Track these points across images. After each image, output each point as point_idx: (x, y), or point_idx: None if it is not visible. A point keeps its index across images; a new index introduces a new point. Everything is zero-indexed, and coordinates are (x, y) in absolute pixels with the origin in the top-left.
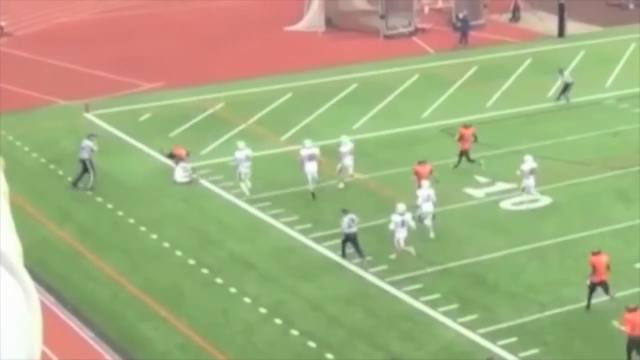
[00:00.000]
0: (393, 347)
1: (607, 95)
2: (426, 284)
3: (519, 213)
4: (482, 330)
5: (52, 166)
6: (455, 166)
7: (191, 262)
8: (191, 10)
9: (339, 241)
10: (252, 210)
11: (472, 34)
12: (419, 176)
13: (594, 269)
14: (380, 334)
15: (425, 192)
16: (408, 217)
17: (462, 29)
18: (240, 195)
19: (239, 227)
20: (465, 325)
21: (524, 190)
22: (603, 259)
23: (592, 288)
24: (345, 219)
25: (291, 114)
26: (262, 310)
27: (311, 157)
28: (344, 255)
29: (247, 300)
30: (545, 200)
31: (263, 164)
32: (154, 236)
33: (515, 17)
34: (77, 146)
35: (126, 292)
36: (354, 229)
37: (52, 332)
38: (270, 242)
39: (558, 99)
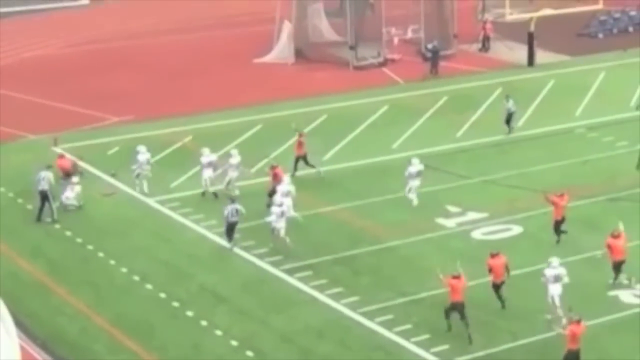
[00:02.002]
0: None
1: (577, 124)
2: (398, 315)
3: (490, 242)
4: None
5: (20, 200)
6: (292, 175)
7: (161, 295)
8: (159, 43)
9: (310, 272)
10: (223, 242)
11: (442, 64)
12: (276, 178)
13: (492, 271)
14: None
15: (285, 187)
16: (286, 208)
17: (432, 59)
18: (211, 228)
19: (209, 259)
20: (438, 355)
21: (409, 191)
22: (500, 261)
23: (496, 289)
24: (229, 208)
25: (261, 146)
26: (234, 342)
27: (209, 165)
28: (230, 240)
29: (218, 332)
30: (516, 230)
31: None
32: (124, 270)
33: (485, 46)
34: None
35: (95, 326)
36: (235, 219)
37: None
38: (241, 274)
39: (512, 129)
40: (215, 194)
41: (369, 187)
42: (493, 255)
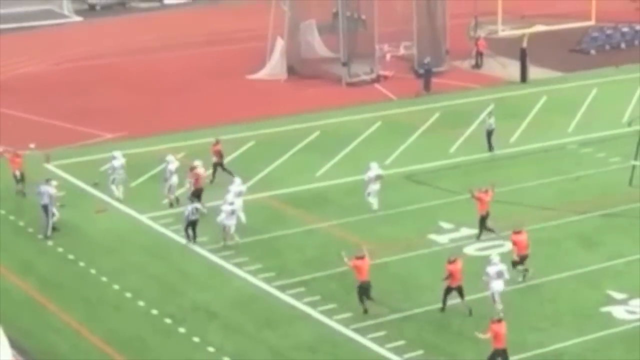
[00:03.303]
0: None
1: (570, 140)
2: (391, 331)
3: (482, 259)
4: None
5: (12, 217)
6: (211, 181)
7: (154, 311)
8: (152, 60)
9: (303, 289)
10: (215, 258)
11: (434, 80)
12: (196, 182)
13: (451, 275)
14: None
15: (238, 188)
16: (237, 207)
17: (425, 75)
18: (204, 244)
19: (202, 276)
20: None
21: (369, 195)
22: (459, 266)
23: (448, 291)
24: (190, 207)
25: (254, 162)
26: (226, 359)
27: (176, 170)
28: (188, 238)
29: (210, 349)
30: (509, 245)
31: None
32: (116, 286)
33: (478, 63)
34: (37, 196)
35: (87, 343)
36: (196, 217)
37: None
38: (233, 290)
39: (491, 148)
40: (171, 203)
41: (362, 203)
42: (451, 262)
